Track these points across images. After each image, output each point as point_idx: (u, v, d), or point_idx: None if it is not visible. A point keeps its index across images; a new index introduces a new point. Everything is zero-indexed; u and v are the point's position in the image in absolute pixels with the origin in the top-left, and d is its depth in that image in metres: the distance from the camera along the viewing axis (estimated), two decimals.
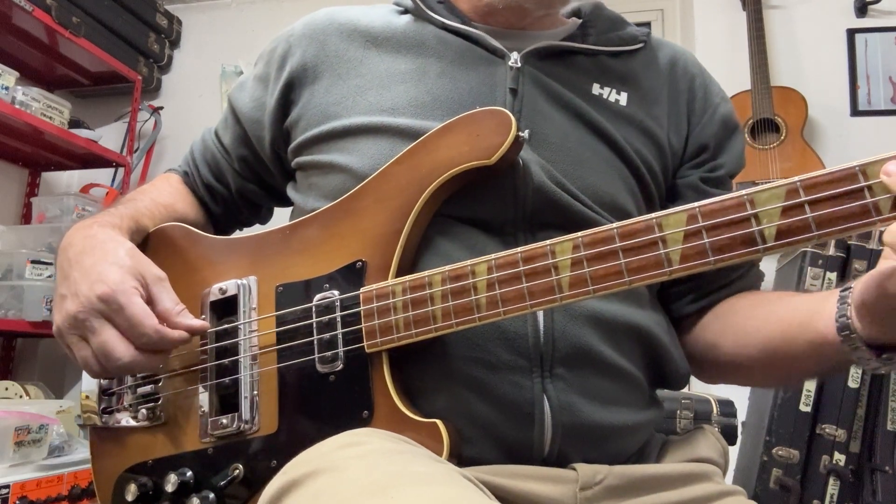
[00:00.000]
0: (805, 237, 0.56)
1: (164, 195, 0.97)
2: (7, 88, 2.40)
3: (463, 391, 0.71)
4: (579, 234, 0.63)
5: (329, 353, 0.72)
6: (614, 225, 0.62)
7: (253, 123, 0.94)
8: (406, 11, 0.92)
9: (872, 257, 1.85)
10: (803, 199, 0.56)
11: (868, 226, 0.54)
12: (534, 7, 0.86)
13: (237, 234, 0.86)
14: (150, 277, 0.76)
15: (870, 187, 0.53)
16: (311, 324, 0.74)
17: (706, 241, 0.58)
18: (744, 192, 0.57)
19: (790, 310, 0.76)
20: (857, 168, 0.54)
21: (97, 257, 0.76)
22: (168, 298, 0.76)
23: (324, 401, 0.72)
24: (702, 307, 0.89)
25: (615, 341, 0.75)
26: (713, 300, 0.89)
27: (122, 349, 0.72)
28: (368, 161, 0.79)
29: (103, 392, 0.86)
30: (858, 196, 0.54)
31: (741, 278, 0.89)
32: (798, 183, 0.56)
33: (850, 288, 0.65)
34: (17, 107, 2.41)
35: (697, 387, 2.16)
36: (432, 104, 0.81)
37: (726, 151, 0.91)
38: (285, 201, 0.98)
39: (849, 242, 1.87)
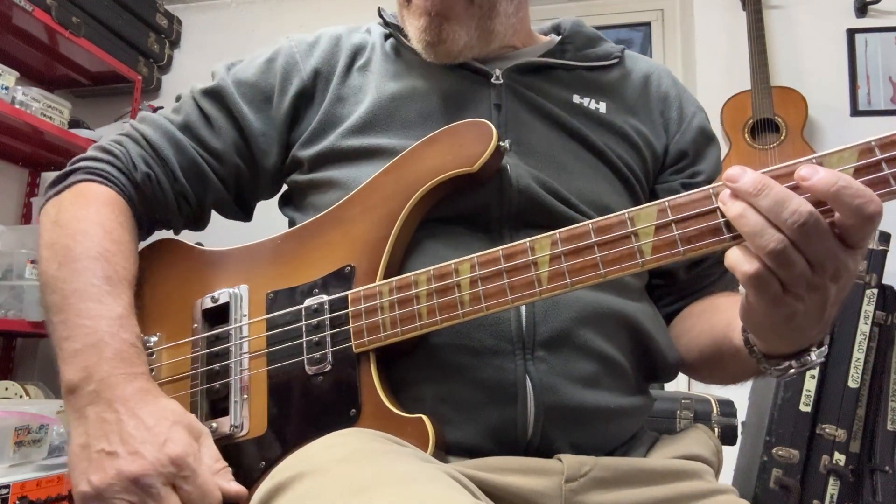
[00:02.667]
0: None
1: (125, 245, 0.80)
2: (7, 88, 2.41)
3: (448, 377, 0.72)
4: (557, 231, 0.66)
5: (317, 354, 0.73)
6: (589, 221, 0.65)
7: (261, 137, 0.89)
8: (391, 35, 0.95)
9: (872, 257, 1.85)
10: None
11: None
12: (425, 52, 0.86)
13: (230, 246, 0.86)
14: (196, 433, 0.69)
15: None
16: (301, 326, 0.75)
17: (676, 233, 0.61)
18: (709, 186, 0.61)
19: (720, 320, 0.80)
20: (814, 160, 0.58)
21: (157, 413, 0.68)
22: (210, 455, 0.69)
23: (312, 401, 0.72)
24: (676, 310, 0.93)
25: (597, 326, 0.77)
26: (686, 304, 0.92)
27: None
28: (364, 181, 0.81)
29: None
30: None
31: (714, 283, 0.92)
32: None
33: None
34: (17, 107, 2.42)
35: (697, 387, 2.16)
36: (422, 123, 0.84)
37: (704, 159, 0.94)
38: (247, 213, 0.96)
39: None
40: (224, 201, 0.93)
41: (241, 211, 0.96)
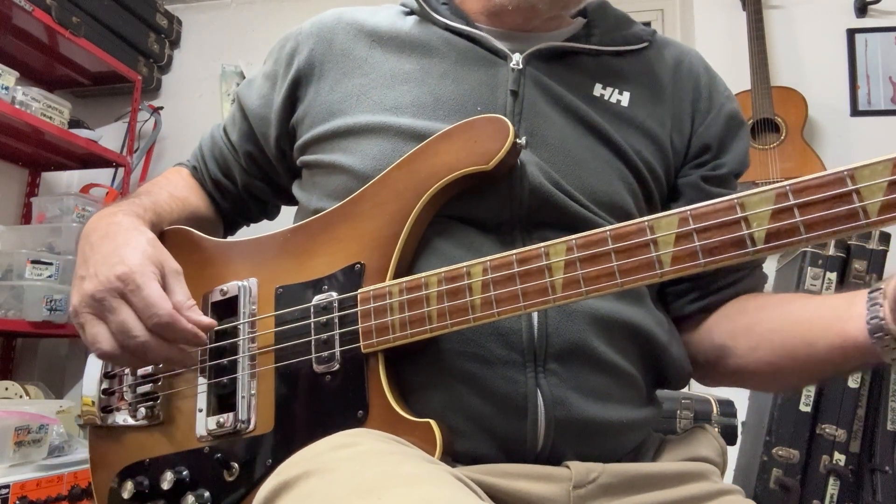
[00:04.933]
0: (794, 240, 0.57)
1: (179, 188, 0.98)
2: (7, 88, 2.40)
3: (457, 385, 0.71)
4: (573, 236, 0.64)
5: (325, 353, 0.72)
6: (607, 227, 0.63)
7: (260, 120, 0.95)
8: (411, 13, 0.93)
9: (872, 257, 1.85)
10: (792, 202, 0.57)
11: (856, 229, 0.55)
12: (546, 8, 0.86)
13: (240, 238, 0.86)
14: (167, 268, 0.77)
15: (858, 191, 0.55)
16: (309, 324, 0.74)
17: (697, 243, 0.59)
18: (734, 195, 0.59)
19: (810, 312, 0.76)
20: (845, 173, 0.55)
21: (119, 242, 0.77)
22: (181, 292, 0.76)
23: (319, 400, 0.72)
24: (704, 307, 0.88)
25: (610, 338, 0.75)
26: (715, 300, 0.88)
27: (139, 329, 0.72)
28: (370, 162, 0.80)
29: (104, 392, 0.87)
30: (847, 200, 0.55)
31: (743, 279, 0.88)
32: (787, 187, 0.57)
33: (881, 289, 0.65)
34: (17, 107, 2.41)
35: (697, 387, 2.15)
36: (434, 104, 0.82)
37: (729, 151, 0.90)
38: (291, 199, 0.99)
39: (849, 242, 1.87)
40: (256, 187, 1.01)
41: (279, 196, 1.04)
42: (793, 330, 0.76)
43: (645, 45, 0.91)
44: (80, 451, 1.93)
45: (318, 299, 0.75)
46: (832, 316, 0.71)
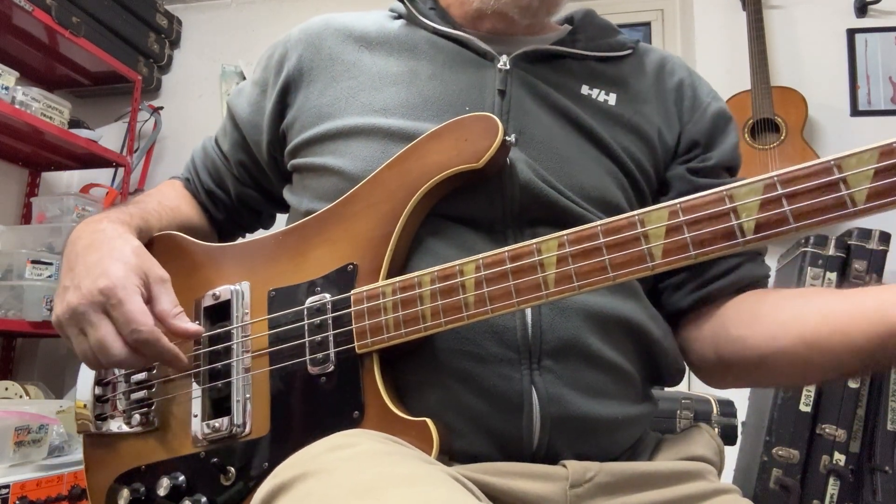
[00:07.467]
0: (783, 230, 0.57)
1: (170, 198, 0.98)
2: (7, 88, 2.40)
3: (453, 384, 0.71)
4: (564, 231, 0.64)
5: (320, 355, 0.72)
6: (598, 222, 0.63)
7: (252, 128, 0.95)
8: (399, 17, 0.94)
9: (872, 257, 1.85)
10: (780, 192, 0.57)
11: (844, 217, 0.56)
12: (518, 17, 0.88)
13: (234, 242, 0.86)
14: (153, 277, 0.77)
15: (844, 180, 0.55)
16: (303, 326, 0.74)
17: (687, 235, 0.60)
18: (723, 187, 0.59)
19: (841, 303, 0.72)
20: (832, 162, 0.55)
21: (104, 252, 0.77)
22: (167, 300, 0.76)
23: (315, 402, 0.72)
24: (703, 297, 0.86)
25: (604, 334, 0.76)
26: (715, 290, 0.85)
27: (118, 346, 0.72)
28: (360, 163, 0.80)
29: (97, 399, 0.86)
30: (834, 189, 0.56)
31: (741, 266, 0.85)
32: (775, 178, 0.57)
33: None
34: (17, 107, 2.41)
35: (697, 387, 2.15)
36: (423, 105, 0.82)
37: (717, 145, 0.90)
38: (284, 207, 0.99)
39: (849, 242, 1.87)
40: (249, 196, 1.02)
41: (273, 205, 1.04)
42: (825, 319, 0.72)
43: (628, 52, 0.92)
44: (80, 451, 1.92)
45: (311, 301, 0.75)
46: (872, 305, 0.68)
